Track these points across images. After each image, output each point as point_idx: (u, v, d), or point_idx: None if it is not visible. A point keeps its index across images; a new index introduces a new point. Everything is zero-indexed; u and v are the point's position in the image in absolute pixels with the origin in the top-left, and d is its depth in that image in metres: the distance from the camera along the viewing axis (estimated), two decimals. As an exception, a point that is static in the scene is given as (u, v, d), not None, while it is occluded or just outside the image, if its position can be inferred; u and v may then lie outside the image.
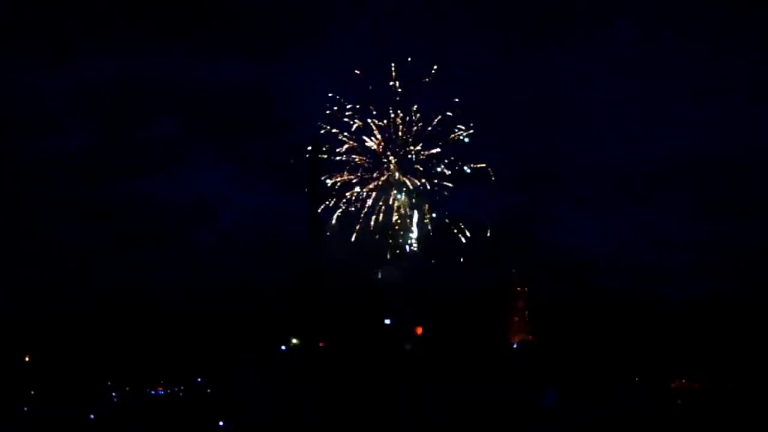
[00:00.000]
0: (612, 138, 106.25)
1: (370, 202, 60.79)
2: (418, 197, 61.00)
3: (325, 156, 59.31)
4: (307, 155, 57.26)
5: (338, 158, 60.70)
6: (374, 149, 61.05)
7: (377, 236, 60.68)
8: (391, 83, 60.01)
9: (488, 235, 60.20)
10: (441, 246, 60.75)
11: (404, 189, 60.76)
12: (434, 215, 61.21)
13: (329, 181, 60.50)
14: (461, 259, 60.32)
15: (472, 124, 60.06)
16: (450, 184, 60.48)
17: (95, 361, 71.17)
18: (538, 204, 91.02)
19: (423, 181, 60.68)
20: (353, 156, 60.88)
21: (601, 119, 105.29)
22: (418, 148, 60.73)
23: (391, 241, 60.84)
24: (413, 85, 60.37)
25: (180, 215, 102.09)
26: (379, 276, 59.63)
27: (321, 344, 54.99)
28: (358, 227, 60.16)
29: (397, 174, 60.94)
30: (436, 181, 60.68)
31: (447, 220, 60.69)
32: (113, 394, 67.26)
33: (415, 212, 61.22)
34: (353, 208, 60.77)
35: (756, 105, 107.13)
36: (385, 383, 48.47)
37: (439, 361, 53.44)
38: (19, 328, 70.90)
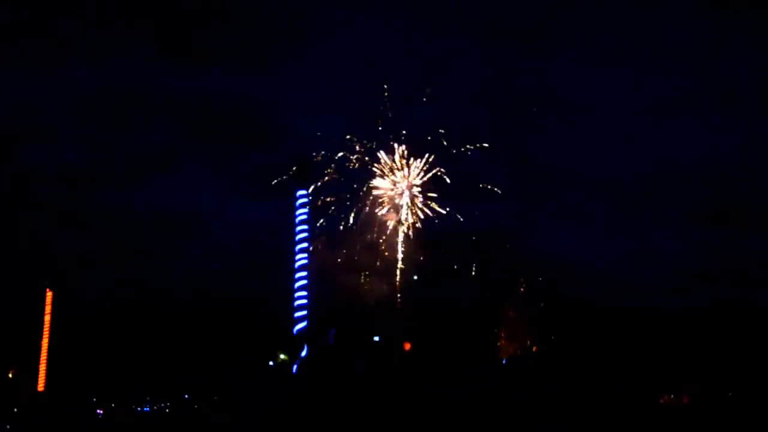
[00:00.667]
0: (601, 150, 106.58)
1: (360, 217, 60.56)
2: (407, 212, 60.85)
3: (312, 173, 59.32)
4: (294, 171, 57.42)
5: (326, 177, 60.50)
6: (363, 166, 60.92)
7: (366, 251, 60.43)
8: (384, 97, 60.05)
9: (476, 248, 60.15)
10: (428, 261, 60.65)
11: (393, 206, 60.59)
12: (421, 228, 61.09)
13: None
14: (450, 273, 60.21)
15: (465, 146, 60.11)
16: (435, 205, 60.44)
17: (80, 376, 70.47)
18: (527, 217, 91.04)
19: (411, 196, 60.52)
20: (341, 174, 60.71)
21: (591, 131, 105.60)
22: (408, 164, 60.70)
23: (379, 257, 60.57)
24: (404, 103, 60.53)
25: (169, 226, 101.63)
26: (368, 292, 59.34)
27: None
28: (346, 243, 59.95)
29: (388, 191, 60.76)
30: (422, 198, 60.57)
31: (434, 236, 60.61)
32: (98, 411, 66.36)
33: (403, 226, 61.07)
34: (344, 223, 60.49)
35: (747, 119, 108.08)
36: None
37: (427, 377, 53.18)
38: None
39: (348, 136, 60.54)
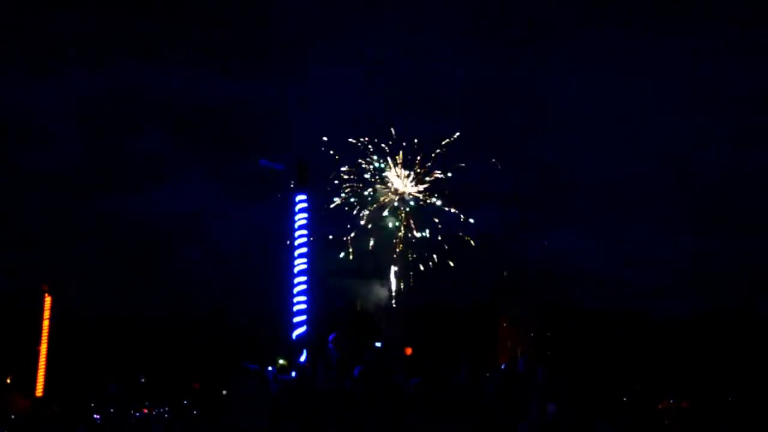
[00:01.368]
0: (595, 155, 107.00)
1: (360, 221, 60.70)
2: (405, 216, 60.97)
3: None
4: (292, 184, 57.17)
5: (325, 181, 60.58)
6: (362, 171, 61.02)
7: (365, 256, 60.57)
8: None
9: (474, 252, 60.30)
10: (427, 265, 60.75)
11: (391, 209, 60.71)
12: (420, 234, 61.20)
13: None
14: (449, 277, 60.36)
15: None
16: (438, 202, 60.58)
17: (78, 381, 70.22)
18: (526, 220, 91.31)
19: (411, 201, 60.69)
20: (343, 178, 60.79)
21: (584, 136, 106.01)
22: (407, 172, 60.83)
23: (378, 261, 60.71)
24: (404, 107, 60.72)
25: (168, 232, 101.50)
26: (368, 297, 59.46)
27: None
28: (347, 247, 60.02)
29: (385, 196, 60.88)
30: (423, 201, 60.70)
31: (436, 238, 60.73)
32: (96, 416, 66.10)
33: (402, 231, 61.18)
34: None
35: (742, 123, 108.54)
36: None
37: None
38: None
39: (348, 140, 60.82)
